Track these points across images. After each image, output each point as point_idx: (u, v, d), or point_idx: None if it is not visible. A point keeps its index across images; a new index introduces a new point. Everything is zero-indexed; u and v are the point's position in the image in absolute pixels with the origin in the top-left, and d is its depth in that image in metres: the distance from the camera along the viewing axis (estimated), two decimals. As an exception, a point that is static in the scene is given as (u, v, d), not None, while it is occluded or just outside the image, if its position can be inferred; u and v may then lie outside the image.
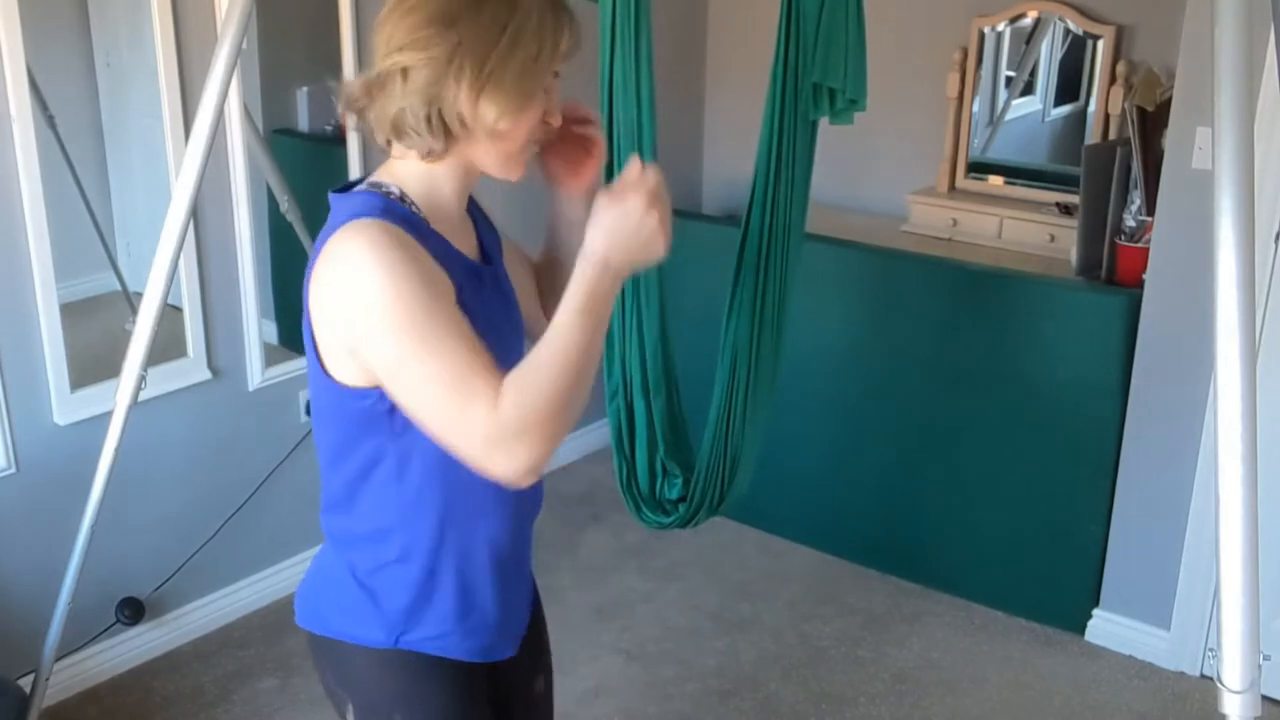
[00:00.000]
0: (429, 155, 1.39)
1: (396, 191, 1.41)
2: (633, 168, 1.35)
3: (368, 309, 1.31)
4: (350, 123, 1.46)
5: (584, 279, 1.32)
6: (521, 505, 1.56)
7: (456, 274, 1.39)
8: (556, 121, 1.45)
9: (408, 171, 1.43)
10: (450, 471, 1.40)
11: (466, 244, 1.48)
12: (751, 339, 2.17)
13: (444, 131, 1.36)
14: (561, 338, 1.31)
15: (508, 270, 1.58)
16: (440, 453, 1.37)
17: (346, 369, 1.39)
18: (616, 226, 1.31)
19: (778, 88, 2.04)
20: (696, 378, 2.37)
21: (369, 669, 1.54)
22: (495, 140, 1.38)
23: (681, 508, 2.34)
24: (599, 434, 4.05)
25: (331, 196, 1.42)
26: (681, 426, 2.38)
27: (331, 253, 1.34)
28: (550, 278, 1.63)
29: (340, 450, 1.48)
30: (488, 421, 1.28)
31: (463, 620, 1.53)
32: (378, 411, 1.40)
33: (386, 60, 1.37)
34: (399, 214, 1.37)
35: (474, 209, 1.56)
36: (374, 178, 1.44)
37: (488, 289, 1.49)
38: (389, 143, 1.42)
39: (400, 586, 1.50)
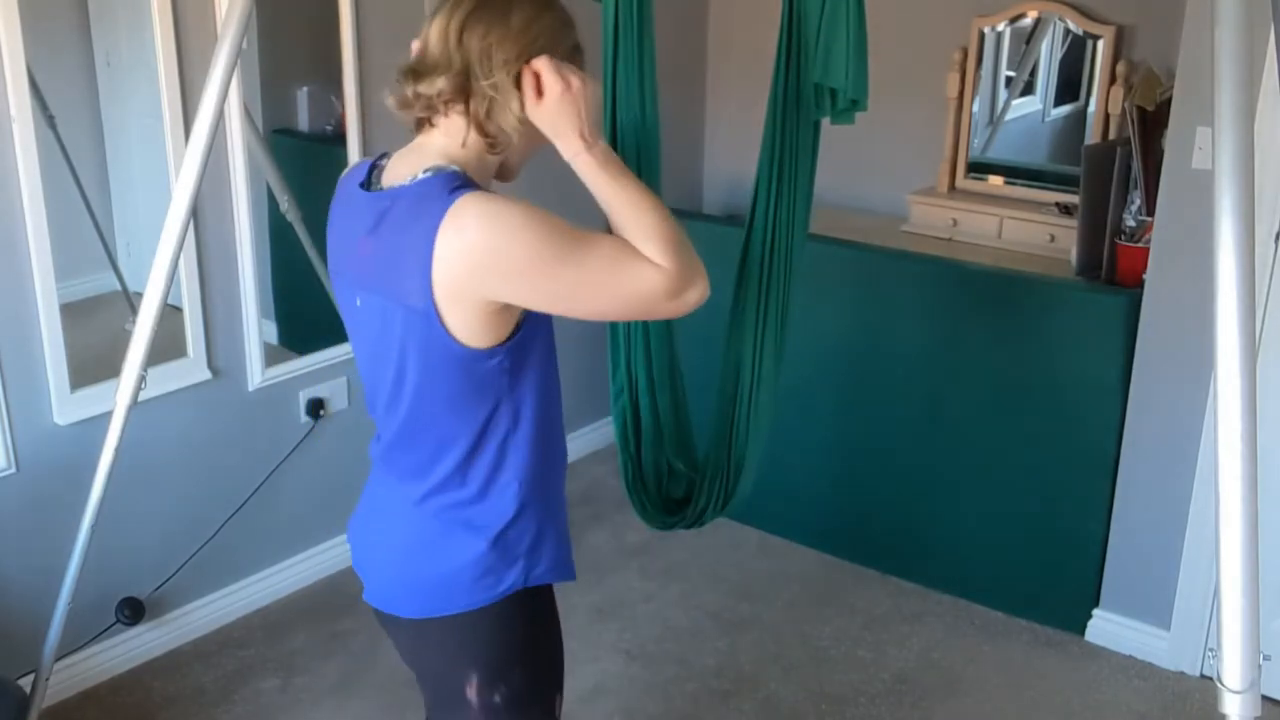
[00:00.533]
0: (496, 149, 1.56)
1: (463, 173, 1.54)
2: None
3: (529, 246, 1.45)
4: (406, 118, 1.60)
5: (590, 166, 1.53)
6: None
7: None
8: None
9: (455, 156, 1.55)
10: (548, 411, 1.63)
11: None
12: (755, 339, 2.17)
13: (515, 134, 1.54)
14: (629, 205, 1.53)
15: None
16: (540, 398, 1.60)
17: (482, 331, 1.51)
18: (559, 119, 1.51)
19: (779, 88, 2.04)
20: (701, 376, 2.37)
21: (493, 628, 1.66)
22: (531, 143, 1.57)
23: (688, 508, 2.34)
24: (600, 434, 4.06)
25: (416, 183, 1.53)
26: (686, 425, 2.38)
27: (463, 224, 1.45)
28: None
29: (459, 423, 1.59)
30: (664, 272, 1.49)
31: (561, 543, 1.72)
32: (500, 370, 1.54)
33: (501, 70, 1.51)
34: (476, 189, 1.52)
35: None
36: (431, 163, 1.54)
37: None
38: (421, 126, 1.59)
39: (524, 532, 1.65)
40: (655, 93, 2.20)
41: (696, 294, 1.53)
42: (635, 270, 1.50)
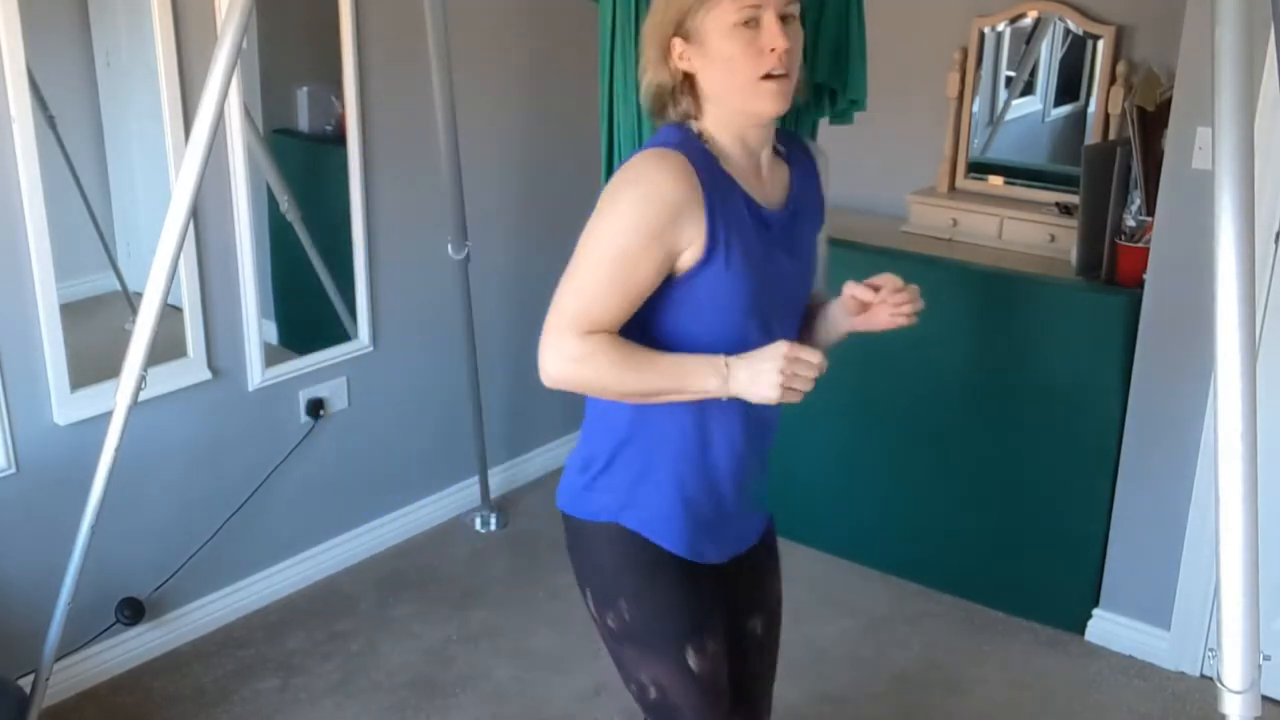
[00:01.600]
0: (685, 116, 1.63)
1: (696, 130, 1.62)
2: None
3: (602, 215, 1.56)
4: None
5: (703, 376, 1.56)
6: (745, 421, 1.72)
7: (729, 215, 1.59)
8: (779, 46, 1.55)
9: (710, 119, 1.63)
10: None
11: (765, 190, 1.66)
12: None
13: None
14: (649, 373, 1.57)
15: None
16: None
17: None
18: (754, 363, 1.55)
19: None
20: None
21: (588, 547, 1.76)
22: (716, 75, 1.59)
23: None
24: (599, 434, 4.06)
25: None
26: None
27: (623, 167, 1.58)
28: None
29: None
30: (566, 344, 1.56)
31: (681, 512, 1.71)
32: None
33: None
34: (694, 147, 1.59)
35: (802, 164, 1.73)
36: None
37: (775, 233, 1.66)
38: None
39: (621, 471, 1.71)
40: None
41: (546, 378, 1.59)
42: (563, 317, 1.57)
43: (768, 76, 1.56)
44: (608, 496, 1.73)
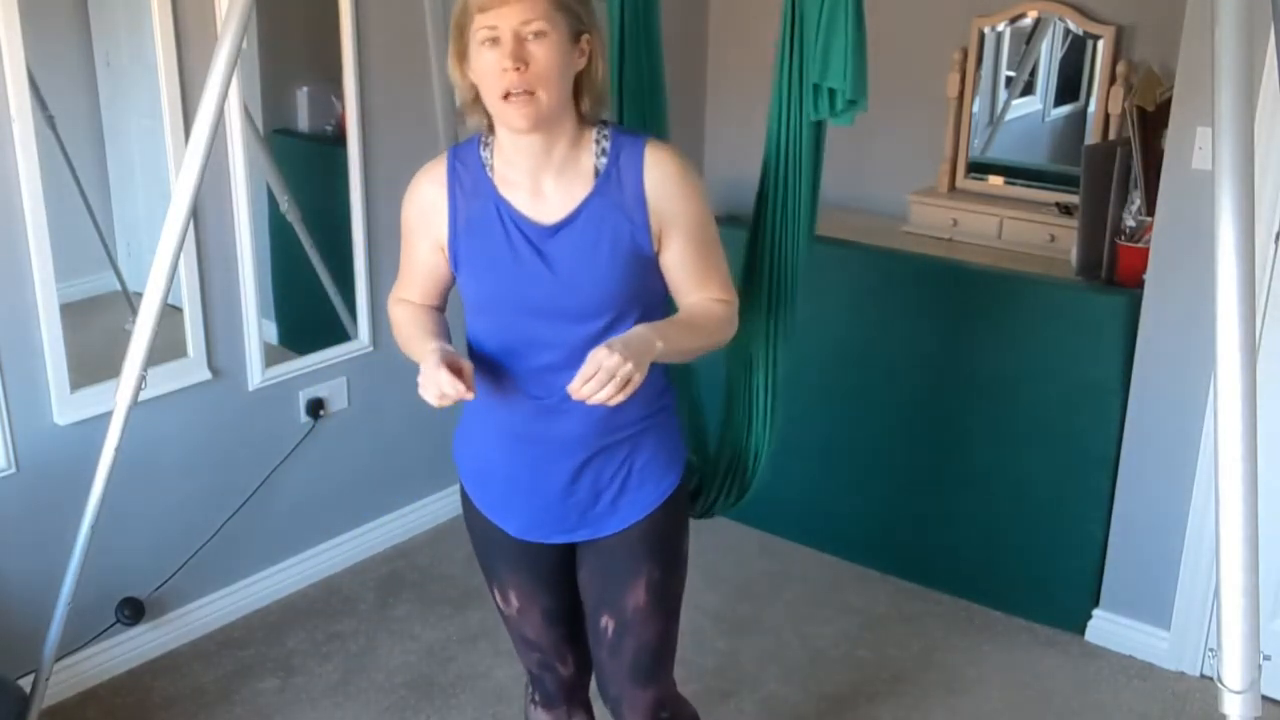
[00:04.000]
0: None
1: (486, 140, 1.78)
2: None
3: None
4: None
5: (418, 356, 1.81)
6: (525, 415, 1.83)
7: (474, 218, 1.75)
8: (507, 67, 1.61)
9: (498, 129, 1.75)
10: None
11: (539, 202, 1.73)
12: (767, 339, 2.16)
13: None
14: (402, 340, 1.96)
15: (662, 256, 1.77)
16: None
17: None
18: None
19: (782, 88, 2.02)
20: (711, 371, 2.35)
21: None
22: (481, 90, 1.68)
23: (698, 501, 2.33)
24: (599, 434, 4.05)
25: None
26: (699, 418, 2.39)
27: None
28: None
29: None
30: (389, 309, 2.00)
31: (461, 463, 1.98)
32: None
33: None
34: (470, 154, 1.78)
35: (621, 178, 1.72)
36: None
37: (534, 244, 1.73)
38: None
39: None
40: (665, 94, 2.20)
41: None
42: (389, 300, 2.01)
43: (507, 95, 1.63)
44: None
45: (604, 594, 1.93)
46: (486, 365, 1.84)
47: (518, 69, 1.60)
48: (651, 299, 1.80)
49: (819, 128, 2.03)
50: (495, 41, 1.61)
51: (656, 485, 1.89)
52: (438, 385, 1.65)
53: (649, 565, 1.90)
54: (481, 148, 1.78)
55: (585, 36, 1.69)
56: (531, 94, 1.62)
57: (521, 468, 1.87)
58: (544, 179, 1.73)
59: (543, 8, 1.61)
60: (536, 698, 2.17)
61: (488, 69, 1.63)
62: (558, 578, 1.97)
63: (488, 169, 1.76)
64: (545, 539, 1.91)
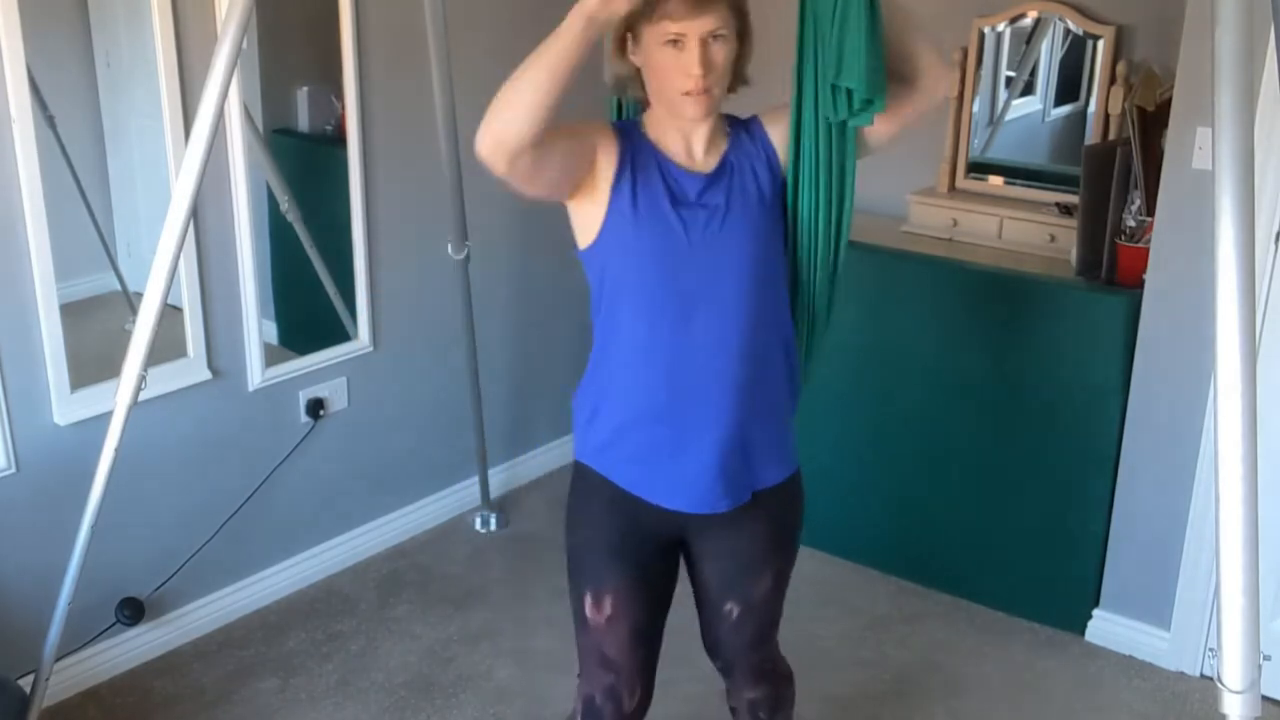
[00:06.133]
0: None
1: (642, 121, 1.91)
2: None
3: None
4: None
5: (568, 20, 1.65)
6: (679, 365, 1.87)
7: (639, 164, 1.84)
8: (695, 73, 1.76)
9: (653, 106, 1.90)
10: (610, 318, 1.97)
11: (692, 162, 1.88)
12: (801, 338, 2.13)
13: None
14: (532, 57, 1.67)
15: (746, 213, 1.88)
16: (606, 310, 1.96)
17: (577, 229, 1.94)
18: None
19: (804, 89, 1.99)
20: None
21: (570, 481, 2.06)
22: (651, 79, 1.83)
23: None
24: (599, 434, 4.06)
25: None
26: None
27: None
28: None
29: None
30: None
31: (616, 441, 1.94)
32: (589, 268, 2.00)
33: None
34: (633, 126, 1.90)
35: (740, 135, 1.93)
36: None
37: (690, 193, 1.85)
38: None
39: (581, 404, 2.02)
40: None
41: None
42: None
43: (686, 93, 1.79)
44: (578, 438, 1.99)
45: (732, 584, 2.03)
46: (633, 342, 1.89)
47: (705, 72, 1.77)
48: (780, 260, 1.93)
49: (843, 127, 1.99)
50: (678, 43, 1.76)
51: (784, 461, 2.01)
52: None
53: (776, 558, 2.05)
54: (638, 125, 1.90)
55: (749, 33, 1.87)
56: (708, 91, 1.80)
57: (663, 429, 1.90)
58: (695, 147, 1.89)
59: (725, 15, 1.78)
60: None
61: (670, 67, 1.78)
62: (658, 592, 2.01)
63: (647, 137, 1.88)
64: (690, 507, 1.93)
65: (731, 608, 2.05)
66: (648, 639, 2.03)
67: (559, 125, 1.71)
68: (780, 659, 2.24)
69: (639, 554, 1.96)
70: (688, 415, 1.88)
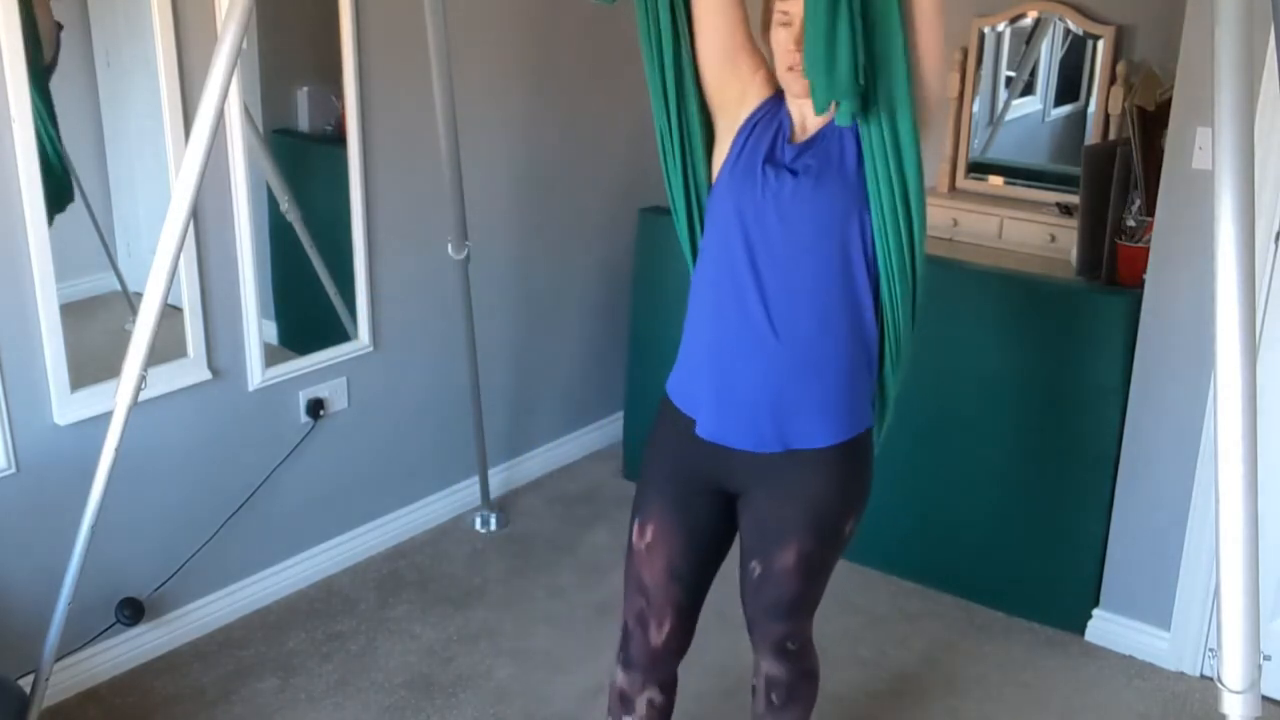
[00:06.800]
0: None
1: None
2: None
3: None
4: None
5: None
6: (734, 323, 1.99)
7: (761, 123, 1.99)
8: (790, 50, 1.90)
9: None
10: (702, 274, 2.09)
11: (797, 133, 1.99)
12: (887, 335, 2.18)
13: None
14: None
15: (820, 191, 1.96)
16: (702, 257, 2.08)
17: None
18: None
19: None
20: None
21: None
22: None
23: None
24: (600, 434, 4.06)
25: None
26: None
27: None
28: None
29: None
30: None
31: (686, 378, 2.08)
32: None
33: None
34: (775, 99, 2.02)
35: (830, 137, 1.97)
36: None
37: (784, 156, 1.97)
38: None
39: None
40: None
41: None
42: None
43: (790, 69, 1.92)
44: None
45: (758, 546, 2.09)
46: (707, 279, 2.03)
47: (799, 50, 1.88)
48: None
49: (897, 141, 1.99)
50: (787, 24, 1.91)
51: (830, 429, 2.02)
52: None
53: (804, 534, 2.05)
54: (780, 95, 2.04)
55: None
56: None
57: (720, 370, 2.01)
58: (808, 122, 1.99)
59: None
60: (622, 656, 2.27)
61: (780, 45, 1.93)
62: (702, 539, 2.12)
63: (782, 108, 2.02)
64: (731, 441, 2.01)
65: (755, 566, 2.12)
66: (682, 578, 2.14)
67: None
68: (809, 649, 2.28)
69: (688, 494, 2.09)
70: (738, 353, 1.99)
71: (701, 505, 2.10)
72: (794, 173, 1.95)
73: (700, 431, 2.03)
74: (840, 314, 1.98)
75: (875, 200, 1.98)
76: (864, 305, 2.00)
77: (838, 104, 1.89)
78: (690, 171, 2.07)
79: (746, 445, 2.01)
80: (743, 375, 1.99)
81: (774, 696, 2.27)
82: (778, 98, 2.01)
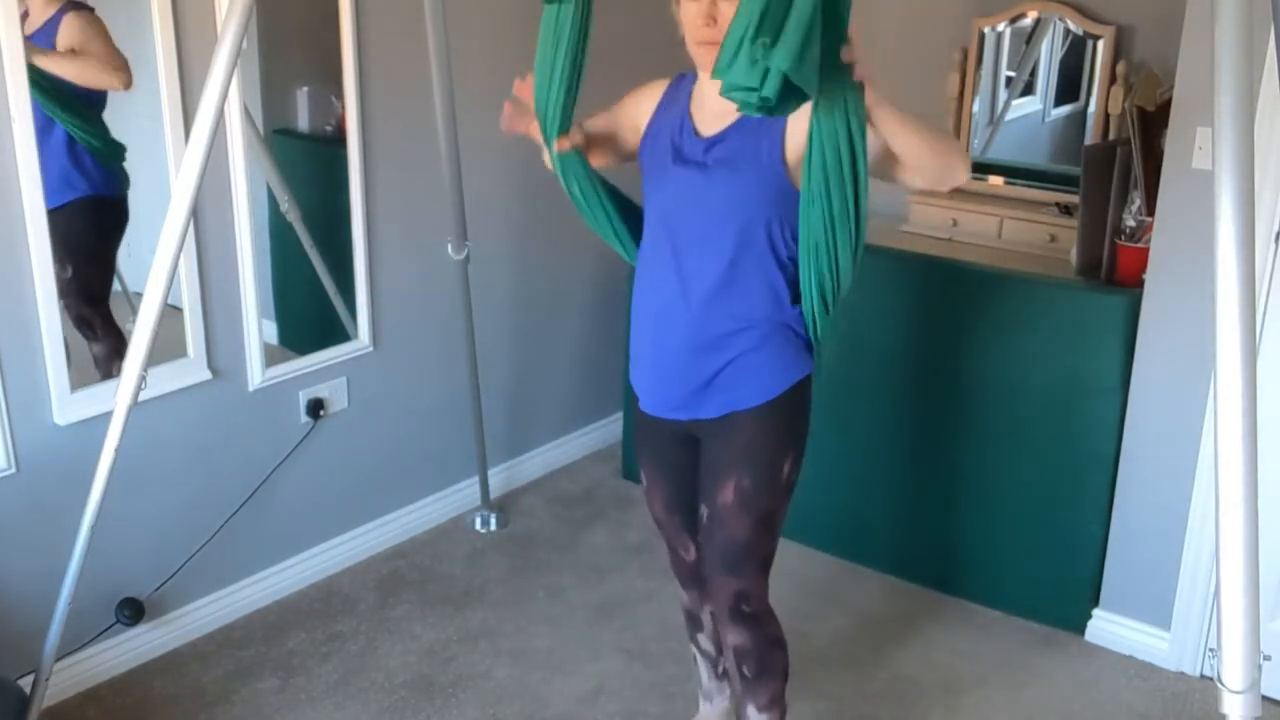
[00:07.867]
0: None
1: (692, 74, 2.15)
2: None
3: None
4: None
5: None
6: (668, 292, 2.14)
7: (667, 116, 2.14)
8: (698, 25, 1.97)
9: None
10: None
11: (704, 120, 2.09)
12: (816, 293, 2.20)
13: None
14: None
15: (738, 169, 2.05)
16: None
17: None
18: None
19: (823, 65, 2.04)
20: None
21: None
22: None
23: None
24: (600, 434, 4.06)
25: None
26: None
27: None
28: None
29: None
30: None
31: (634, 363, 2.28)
32: None
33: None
34: (686, 77, 2.16)
35: (746, 127, 2.03)
36: None
37: (685, 149, 2.08)
38: None
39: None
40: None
41: None
42: None
43: (700, 44, 1.98)
44: None
45: (706, 488, 2.22)
46: (640, 272, 2.22)
47: (708, 25, 1.94)
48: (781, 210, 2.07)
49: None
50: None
51: (759, 389, 2.14)
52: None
53: (740, 470, 2.17)
54: (692, 73, 2.14)
55: None
56: (715, 44, 1.85)
57: (654, 347, 2.19)
58: (707, 98, 2.05)
59: None
60: (677, 579, 2.49)
61: (689, 20, 1.99)
62: (674, 471, 2.32)
63: (692, 89, 2.13)
64: (669, 413, 2.23)
65: (705, 510, 2.24)
66: (678, 506, 2.36)
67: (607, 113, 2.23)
68: (770, 616, 2.32)
69: (664, 444, 2.32)
70: (661, 328, 2.16)
71: (676, 450, 2.30)
72: (704, 166, 2.06)
73: (643, 407, 2.26)
74: (759, 284, 2.09)
75: (820, 180, 1.96)
76: (783, 278, 2.10)
77: (781, 97, 1.79)
78: (605, 210, 2.27)
79: (680, 415, 2.21)
80: (666, 350, 2.16)
81: (745, 669, 2.31)
82: (676, 87, 2.14)
